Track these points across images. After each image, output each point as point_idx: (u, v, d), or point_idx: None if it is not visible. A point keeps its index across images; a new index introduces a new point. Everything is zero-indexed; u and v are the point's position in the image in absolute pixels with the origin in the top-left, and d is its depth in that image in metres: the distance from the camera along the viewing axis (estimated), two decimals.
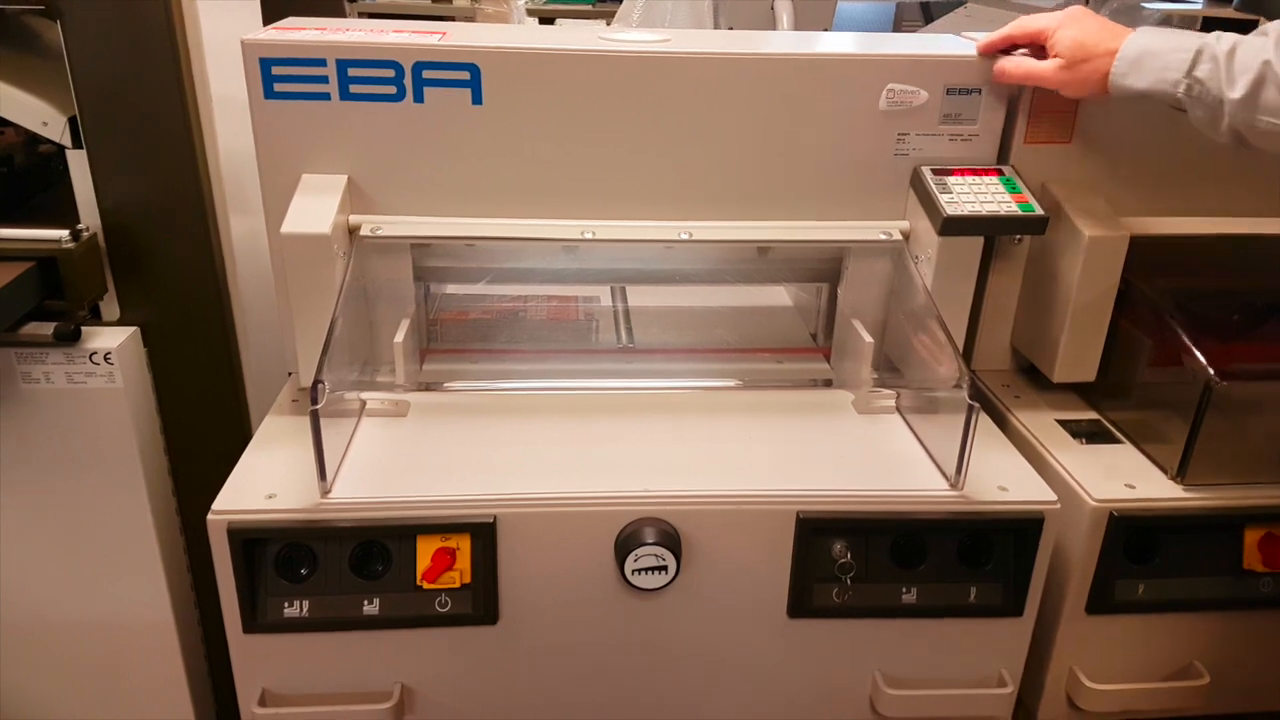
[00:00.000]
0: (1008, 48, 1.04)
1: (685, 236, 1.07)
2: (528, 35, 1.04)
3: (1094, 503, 0.96)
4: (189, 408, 1.24)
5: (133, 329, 1.17)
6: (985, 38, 1.05)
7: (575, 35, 1.06)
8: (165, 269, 1.16)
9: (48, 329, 1.10)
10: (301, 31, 1.01)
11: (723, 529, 0.94)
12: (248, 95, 1.00)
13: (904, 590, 0.97)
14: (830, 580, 0.96)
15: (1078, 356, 1.07)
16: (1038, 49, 1.01)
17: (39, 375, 1.14)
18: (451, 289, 1.23)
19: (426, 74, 1.00)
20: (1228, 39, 0.89)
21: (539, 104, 1.02)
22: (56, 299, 1.11)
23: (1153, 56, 0.92)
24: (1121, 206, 1.05)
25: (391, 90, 1.01)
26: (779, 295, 1.40)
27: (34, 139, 1.25)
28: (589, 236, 1.06)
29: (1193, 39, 0.91)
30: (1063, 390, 1.13)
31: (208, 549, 0.90)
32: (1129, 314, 1.06)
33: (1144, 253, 1.04)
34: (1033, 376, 1.17)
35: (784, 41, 1.11)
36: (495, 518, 0.91)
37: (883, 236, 1.09)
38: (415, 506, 0.92)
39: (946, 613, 0.98)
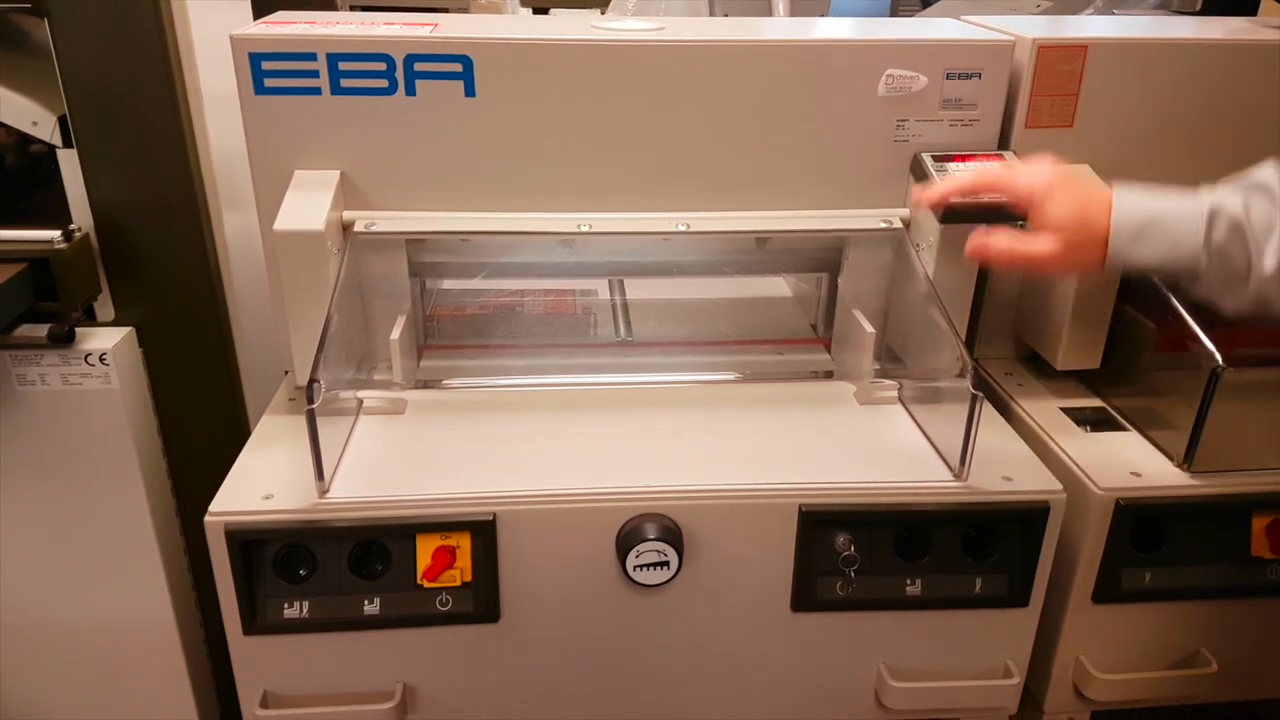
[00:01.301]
0: (969, 198, 0.91)
1: (683, 228, 1.06)
2: (521, 25, 1.03)
3: (1100, 491, 0.95)
4: (186, 407, 1.23)
5: (128, 329, 1.17)
6: (938, 186, 0.91)
7: (569, 24, 1.05)
8: (159, 268, 1.15)
9: (41, 331, 1.09)
10: (291, 25, 1.00)
11: (724, 523, 0.93)
12: (238, 91, 0.99)
13: (908, 582, 0.96)
14: (834, 573, 0.95)
15: (1082, 343, 1.06)
16: (1007, 207, 0.89)
17: (34, 377, 1.13)
18: (448, 284, 1.22)
19: (418, 66, 0.99)
20: (1231, 199, 0.80)
21: (533, 95, 1.01)
22: (50, 300, 1.10)
23: (1156, 226, 0.80)
24: None
25: (383, 84, 0.99)
26: (778, 286, 1.38)
27: (25, 139, 1.23)
28: (585, 230, 1.05)
29: (1190, 199, 0.80)
30: (1067, 378, 1.12)
31: (208, 549, 0.90)
32: (1133, 300, 1.05)
33: None
34: (1036, 364, 1.16)
35: (781, 28, 1.10)
36: (495, 515, 0.90)
37: (883, 225, 1.08)
38: (414, 505, 0.91)
39: (952, 604, 0.97)
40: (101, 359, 1.13)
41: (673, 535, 0.91)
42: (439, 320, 1.21)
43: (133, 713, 1.32)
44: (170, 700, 1.31)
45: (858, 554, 0.93)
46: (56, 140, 1.08)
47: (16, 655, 1.27)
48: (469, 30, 1.00)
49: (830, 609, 0.96)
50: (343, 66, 0.98)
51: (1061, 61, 1.04)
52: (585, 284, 1.31)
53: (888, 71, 1.02)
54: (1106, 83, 1.05)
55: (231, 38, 0.97)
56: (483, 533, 0.91)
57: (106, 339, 1.14)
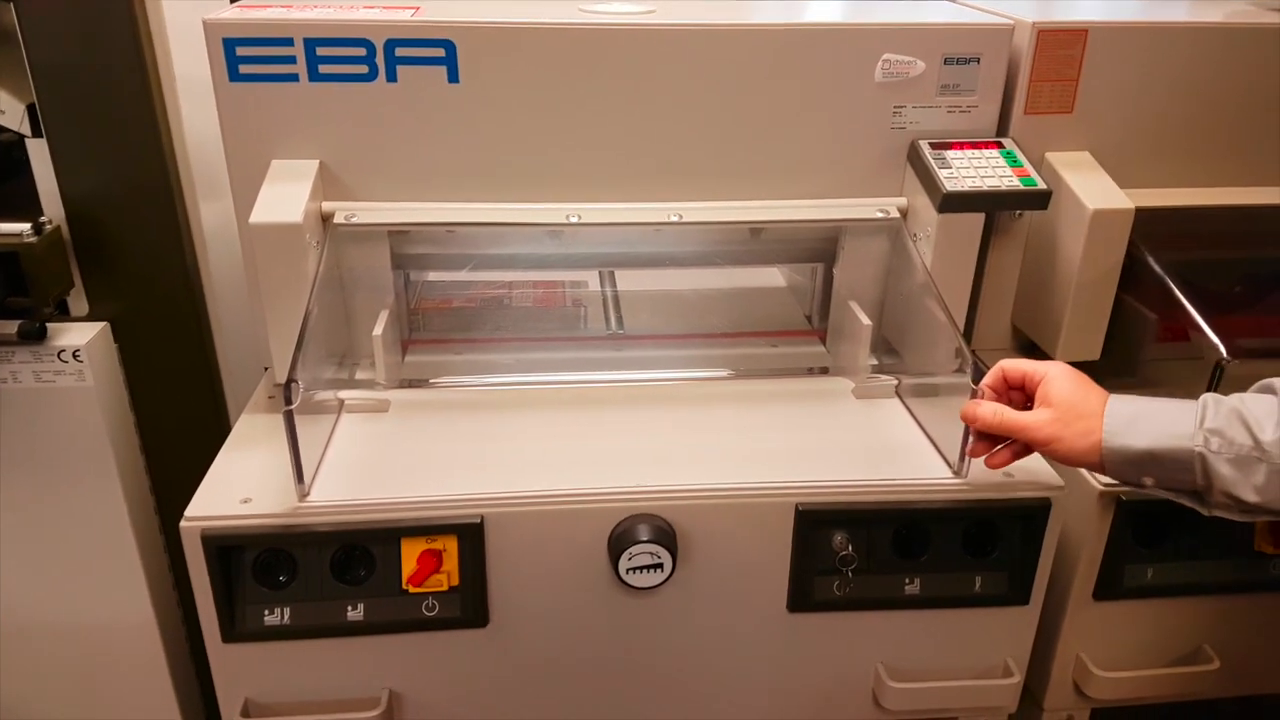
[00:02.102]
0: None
1: (675, 218, 1.03)
2: (505, 8, 0.99)
3: (1101, 487, 0.93)
4: (164, 404, 1.20)
5: (102, 324, 1.13)
6: (977, 406, 0.85)
7: (556, 8, 1.01)
8: (134, 261, 1.11)
9: (11, 327, 1.06)
10: (267, 10, 0.96)
11: (719, 524, 0.90)
12: (212, 78, 0.95)
13: (907, 581, 0.94)
14: (831, 573, 0.92)
15: (1081, 335, 1.04)
16: (1014, 393, 0.86)
17: (5, 375, 1.10)
18: (433, 277, 1.19)
19: (399, 51, 0.95)
20: (1226, 396, 0.78)
21: (519, 81, 0.98)
22: (20, 295, 1.06)
23: (1148, 418, 0.78)
24: (1124, 178, 1.01)
25: (363, 70, 0.96)
26: (772, 276, 1.36)
27: None
28: (574, 221, 1.02)
29: (1177, 403, 0.79)
30: None
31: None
32: (1133, 289, 1.03)
33: (1148, 225, 1.00)
34: (1034, 355, 1.13)
35: (774, 11, 1.06)
36: (482, 518, 0.88)
37: (879, 214, 1.05)
38: (398, 508, 0.88)
39: (951, 603, 0.95)
40: (75, 355, 1.09)
41: (666, 537, 0.88)
42: (424, 314, 1.18)
43: (114, 713, 1.29)
44: (152, 701, 1.28)
45: (855, 553, 0.91)
46: (25, 129, 1.04)
47: None
48: (452, 14, 0.97)
49: (827, 609, 0.94)
50: (320, 52, 0.95)
51: (1061, 46, 1.01)
52: (575, 275, 1.28)
53: (884, 56, 0.99)
54: (1107, 67, 1.02)
55: (205, 22, 0.93)
56: (470, 536, 0.88)
57: (80, 335, 1.10)
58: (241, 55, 0.94)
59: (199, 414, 1.21)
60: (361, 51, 0.95)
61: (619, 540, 0.89)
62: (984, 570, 0.94)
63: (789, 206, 1.05)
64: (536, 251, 1.11)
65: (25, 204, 1.09)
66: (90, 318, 1.14)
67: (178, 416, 1.20)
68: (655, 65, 0.98)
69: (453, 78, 0.97)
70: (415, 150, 0.99)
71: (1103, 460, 0.78)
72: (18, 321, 1.06)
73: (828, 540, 0.91)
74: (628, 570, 0.88)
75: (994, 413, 0.83)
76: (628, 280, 1.31)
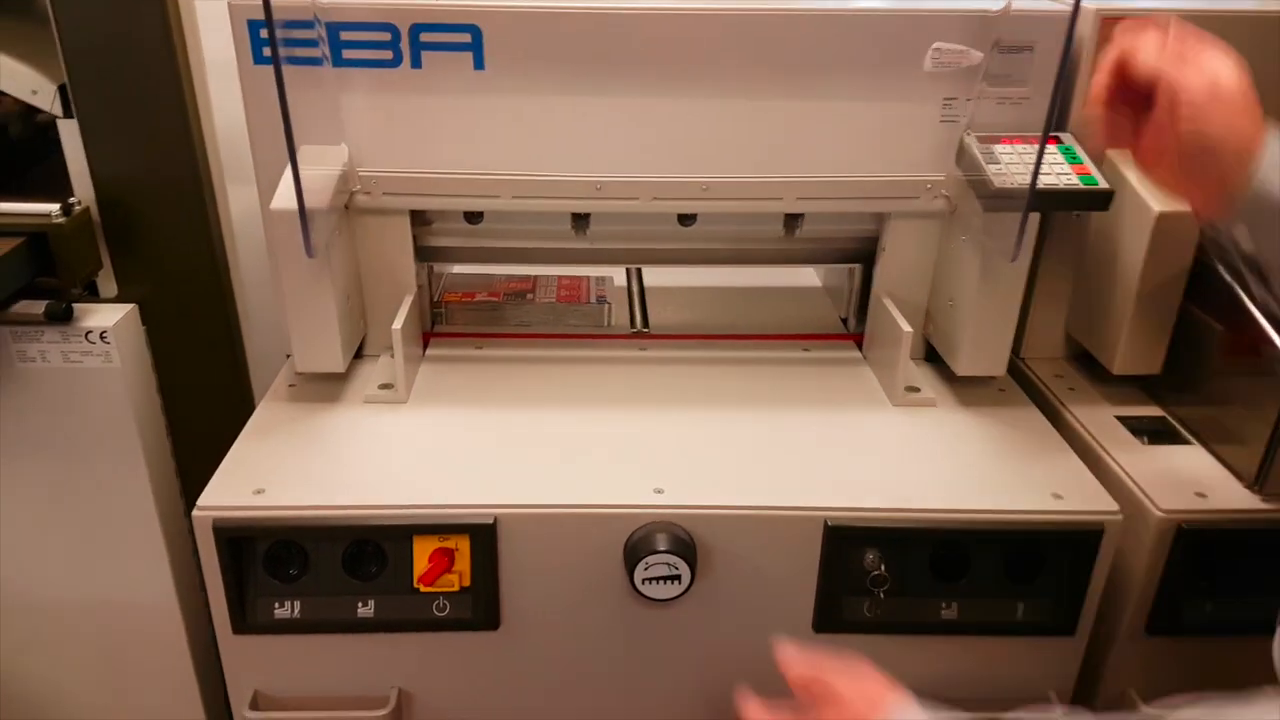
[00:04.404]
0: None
1: (704, 191, 0.98)
2: None
3: (1160, 513, 0.86)
4: (190, 387, 1.19)
5: (130, 306, 1.12)
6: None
7: None
8: (163, 243, 1.11)
9: (39, 307, 1.06)
10: None
11: (742, 537, 0.86)
12: (236, 61, 0.93)
13: (944, 605, 0.89)
14: (861, 593, 0.87)
15: (1142, 346, 0.97)
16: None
17: (34, 354, 1.10)
18: (458, 269, 1.16)
19: (424, 37, 0.92)
20: None
21: (546, 68, 0.94)
22: (49, 276, 1.06)
23: None
24: None
25: (387, 55, 0.93)
26: (807, 275, 1.30)
27: (31, 108, 1.20)
28: (598, 189, 0.97)
29: None
30: (1123, 383, 1.02)
31: None
32: (1199, 298, 0.95)
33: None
34: (1089, 366, 1.06)
35: None
36: (496, 519, 0.85)
37: (940, 199, 0.98)
38: (411, 506, 0.85)
39: (990, 630, 0.90)
40: (102, 337, 1.09)
41: (685, 548, 0.84)
42: (446, 306, 1.15)
43: (135, 692, 1.30)
44: (173, 682, 1.29)
45: (888, 573, 0.86)
46: (56, 110, 1.04)
47: (18, 633, 1.25)
48: None
49: (856, 631, 0.89)
50: (345, 36, 0.92)
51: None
52: (601, 271, 1.24)
53: (935, 45, 0.93)
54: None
55: (230, 4, 0.91)
56: (483, 536, 0.85)
57: (108, 316, 1.10)
58: (266, 38, 0.92)
59: (225, 399, 1.20)
60: (386, 36, 0.92)
61: (635, 549, 0.85)
62: (1027, 597, 0.88)
63: (828, 191, 0.99)
64: (562, 245, 1.08)
65: (61, 185, 1.09)
66: (119, 300, 1.13)
67: (204, 400, 1.20)
68: (689, 52, 0.93)
69: (478, 64, 0.93)
70: (439, 137, 0.96)
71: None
72: (45, 302, 1.06)
73: (859, 559, 0.86)
74: (643, 580, 0.84)
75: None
76: (654, 277, 1.27)
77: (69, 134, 1.05)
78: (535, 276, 1.21)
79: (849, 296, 1.15)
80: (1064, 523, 0.85)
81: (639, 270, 1.24)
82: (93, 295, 1.13)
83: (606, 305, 1.17)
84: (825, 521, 0.85)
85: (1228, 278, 0.92)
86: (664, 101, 0.95)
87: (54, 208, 1.04)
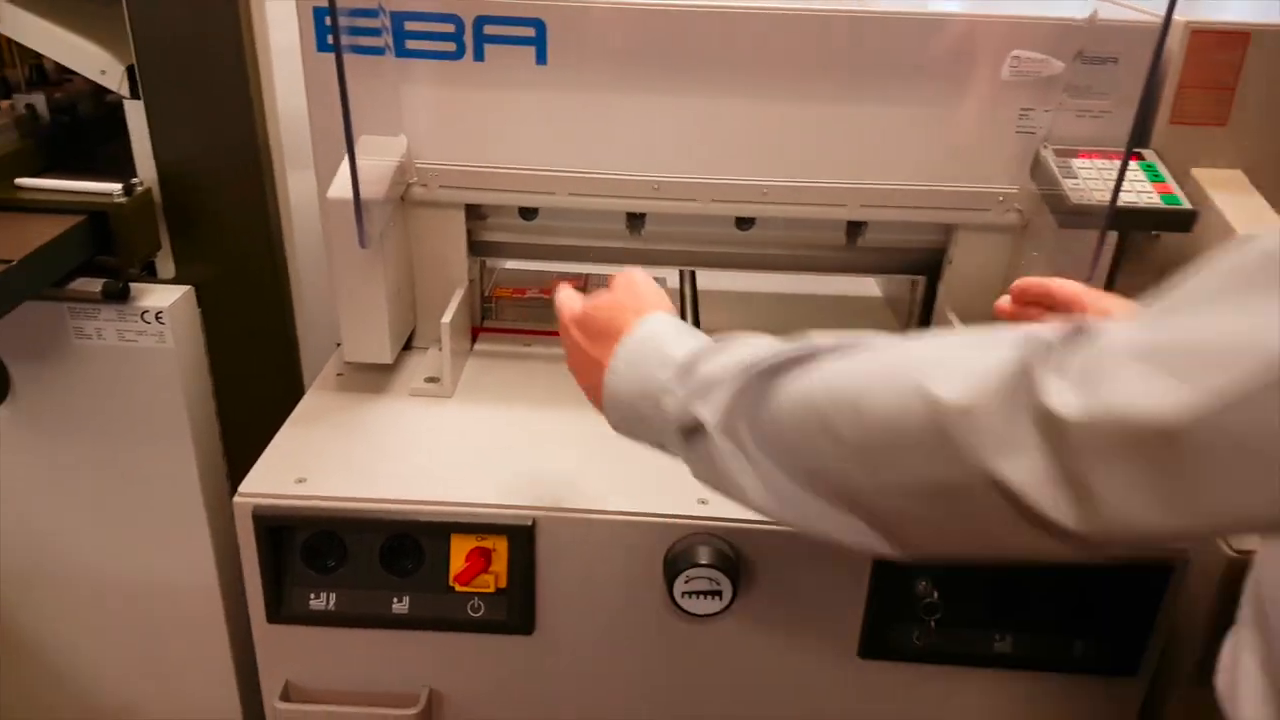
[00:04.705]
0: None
1: (763, 195, 0.95)
2: None
3: (1232, 553, 0.82)
4: (242, 371, 1.20)
5: (186, 288, 1.13)
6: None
7: None
8: (222, 227, 1.11)
9: (97, 285, 1.07)
10: None
11: (788, 554, 0.83)
12: (300, 47, 0.93)
13: (997, 637, 0.85)
14: (911, 620, 0.84)
15: None
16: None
17: (91, 331, 1.11)
18: (511, 265, 1.15)
19: (488, 30, 0.91)
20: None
21: (608, 65, 0.92)
22: (109, 255, 1.07)
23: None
24: None
25: (451, 47, 0.92)
26: (867, 284, 1.27)
27: (100, 89, 1.21)
28: (656, 189, 0.95)
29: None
30: None
31: None
32: None
33: None
34: None
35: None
36: (535, 521, 0.83)
37: (1003, 220, 0.95)
38: (451, 503, 0.84)
39: (1045, 666, 0.86)
40: (158, 317, 1.10)
41: (728, 562, 0.81)
42: (497, 301, 1.14)
43: (173, 674, 1.31)
44: (210, 666, 1.29)
45: (941, 601, 0.82)
46: (124, 90, 1.05)
47: (61, 605, 1.27)
48: None
49: (904, 659, 0.86)
50: (409, 26, 0.91)
51: (1218, 49, 0.89)
52: (654, 273, 1.21)
53: (1014, 52, 0.89)
54: (1270, 75, 0.89)
55: None
56: (520, 538, 0.84)
57: (164, 297, 1.10)
58: (330, 25, 0.91)
59: (275, 384, 1.21)
60: (450, 28, 0.91)
61: (676, 561, 0.82)
62: (1087, 634, 0.84)
63: (894, 191, 0.96)
64: (616, 245, 1.06)
65: (119, 166, 1.10)
66: (176, 281, 1.14)
67: (254, 385, 1.20)
68: (755, 51, 0.91)
69: (540, 59, 0.92)
70: (497, 131, 0.95)
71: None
72: (102, 280, 1.07)
73: (910, 585, 0.83)
74: (683, 594, 0.82)
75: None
76: (708, 280, 1.24)
77: (134, 114, 1.06)
78: (588, 275, 1.19)
79: (910, 308, 1.11)
80: (1130, 560, 0.80)
81: (693, 273, 1.21)
82: (150, 276, 1.14)
83: None
84: None
85: None
86: (727, 102, 0.93)
87: (116, 187, 1.05)
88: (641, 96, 0.93)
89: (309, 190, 1.16)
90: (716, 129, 0.94)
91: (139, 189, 1.07)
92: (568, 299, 0.73)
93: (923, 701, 0.88)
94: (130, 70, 1.04)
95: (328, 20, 0.91)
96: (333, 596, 0.88)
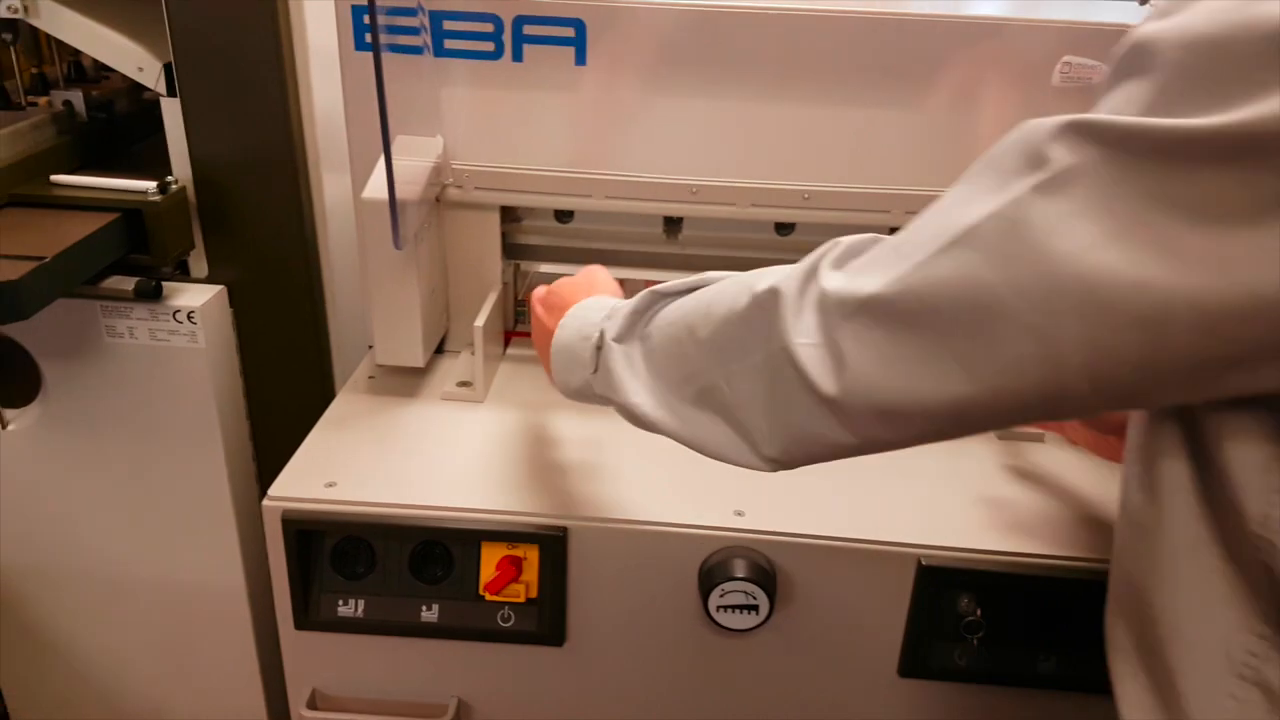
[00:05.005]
0: None
1: (805, 200, 0.93)
2: None
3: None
4: (273, 372, 1.19)
5: (218, 288, 1.12)
6: None
7: None
8: (255, 227, 1.10)
9: (129, 284, 1.06)
10: None
11: (827, 570, 0.81)
12: (338, 47, 0.92)
13: (1040, 657, 0.82)
14: (952, 639, 0.82)
15: None
16: None
17: (123, 330, 1.11)
18: (544, 268, 1.13)
19: (528, 30, 0.90)
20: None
21: (648, 66, 0.90)
22: (142, 253, 1.07)
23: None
24: None
25: (489, 47, 0.91)
26: None
27: (137, 86, 1.21)
28: (694, 193, 0.94)
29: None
30: None
31: None
32: None
33: None
34: None
35: (932, 3, 0.95)
36: (567, 530, 0.81)
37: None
38: (482, 510, 0.82)
39: (1088, 687, 0.83)
40: (190, 317, 1.09)
41: (765, 576, 0.79)
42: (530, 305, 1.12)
43: (199, 675, 1.30)
44: (236, 669, 1.29)
45: (983, 619, 0.80)
46: (161, 88, 1.04)
47: (89, 604, 1.26)
48: None
49: (945, 678, 0.83)
50: (447, 25, 0.90)
51: None
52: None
53: (1065, 59, 0.87)
54: None
55: None
56: (552, 547, 0.82)
57: (196, 296, 1.10)
58: (368, 24, 0.90)
59: (306, 386, 1.20)
60: (489, 28, 0.90)
61: (711, 573, 0.80)
62: None
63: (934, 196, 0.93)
64: (652, 249, 1.04)
65: (153, 164, 1.10)
66: (208, 280, 1.13)
67: (285, 387, 1.19)
68: (796, 54, 0.89)
69: (580, 59, 0.90)
70: (535, 132, 0.94)
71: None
72: (135, 279, 1.06)
73: (952, 602, 0.81)
74: (718, 608, 0.80)
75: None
76: None
77: (171, 112, 1.06)
78: (622, 280, 1.17)
79: None
80: None
81: None
82: (183, 274, 1.13)
83: None
84: (919, 560, 0.79)
85: None
86: (768, 104, 0.91)
87: (150, 185, 1.04)
88: (681, 99, 0.91)
89: (343, 192, 1.15)
90: (757, 132, 0.92)
91: (174, 187, 1.06)
92: (540, 287, 0.83)
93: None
94: (167, 68, 1.03)
95: (366, 19, 0.90)
96: (361, 603, 0.86)
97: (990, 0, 0.99)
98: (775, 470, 0.61)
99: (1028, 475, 0.90)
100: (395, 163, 0.90)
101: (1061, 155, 0.44)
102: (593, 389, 0.69)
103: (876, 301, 0.50)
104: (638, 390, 0.65)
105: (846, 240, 0.55)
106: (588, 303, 0.73)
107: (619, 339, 0.67)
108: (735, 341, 0.58)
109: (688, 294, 0.65)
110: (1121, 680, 0.58)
